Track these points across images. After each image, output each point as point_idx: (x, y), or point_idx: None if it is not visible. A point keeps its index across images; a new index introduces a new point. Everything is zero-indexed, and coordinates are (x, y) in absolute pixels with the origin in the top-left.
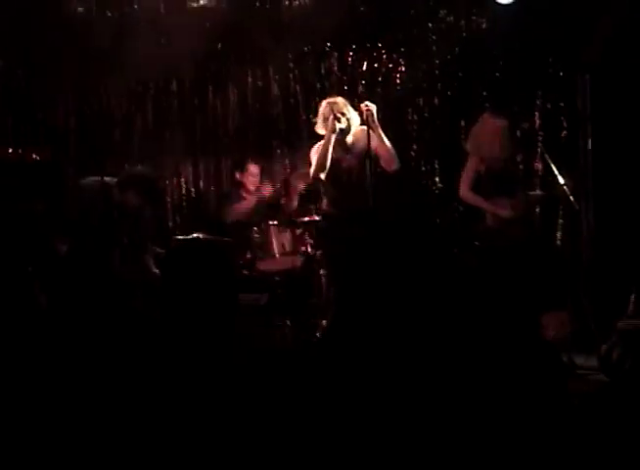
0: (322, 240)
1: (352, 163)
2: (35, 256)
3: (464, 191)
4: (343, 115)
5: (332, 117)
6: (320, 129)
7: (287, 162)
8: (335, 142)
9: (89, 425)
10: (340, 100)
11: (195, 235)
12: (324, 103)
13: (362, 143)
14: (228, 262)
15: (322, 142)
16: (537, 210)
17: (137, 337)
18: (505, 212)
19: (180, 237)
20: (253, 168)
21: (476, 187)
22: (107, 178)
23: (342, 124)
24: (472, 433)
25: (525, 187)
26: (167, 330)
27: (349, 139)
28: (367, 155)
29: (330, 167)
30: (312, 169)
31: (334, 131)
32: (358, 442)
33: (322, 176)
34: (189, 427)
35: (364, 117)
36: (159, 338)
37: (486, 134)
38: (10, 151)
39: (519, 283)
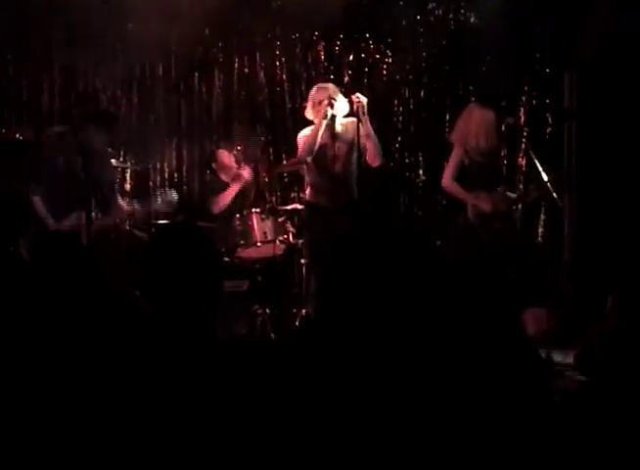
0: (304, 228)
1: (339, 152)
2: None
3: (447, 181)
4: (335, 100)
5: (326, 101)
6: (309, 114)
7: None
8: (324, 128)
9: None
10: (331, 86)
11: (177, 220)
12: (315, 88)
13: (351, 134)
14: (212, 248)
15: (311, 127)
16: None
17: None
18: (486, 206)
19: (162, 222)
20: (223, 156)
21: (459, 179)
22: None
23: (335, 110)
24: (453, 429)
25: (507, 183)
26: (150, 316)
27: (338, 127)
28: (355, 146)
29: (316, 153)
30: (299, 152)
31: (325, 117)
32: (340, 437)
33: (309, 160)
34: (170, 418)
35: (354, 108)
36: (140, 322)
37: (472, 125)
38: None
39: (499, 278)
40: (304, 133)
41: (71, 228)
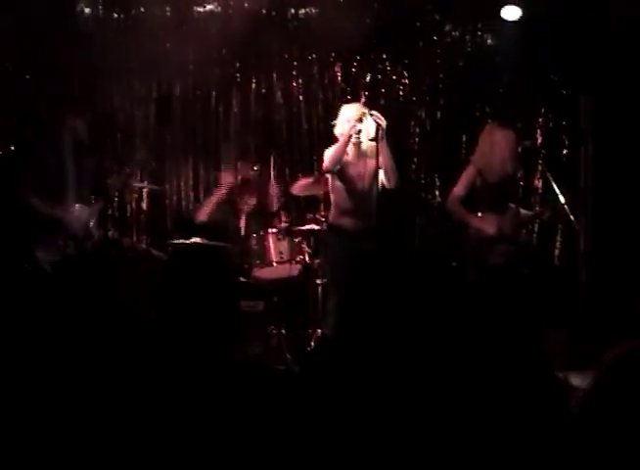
0: (324, 250)
1: (365, 170)
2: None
3: (452, 202)
4: (365, 117)
5: (357, 116)
6: (338, 130)
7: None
8: (351, 147)
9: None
10: (360, 105)
11: (193, 240)
12: (345, 106)
13: (373, 155)
14: (229, 268)
15: (338, 143)
16: (534, 227)
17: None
18: (490, 229)
19: (178, 241)
20: (225, 177)
21: (468, 199)
22: None
23: (363, 126)
24: (472, 447)
25: (523, 205)
26: (166, 335)
27: (364, 146)
28: (377, 167)
29: (343, 170)
30: (325, 164)
31: (357, 132)
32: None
33: (334, 170)
34: (186, 436)
35: (375, 128)
36: (156, 343)
37: (489, 144)
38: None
39: (506, 300)
40: (332, 148)
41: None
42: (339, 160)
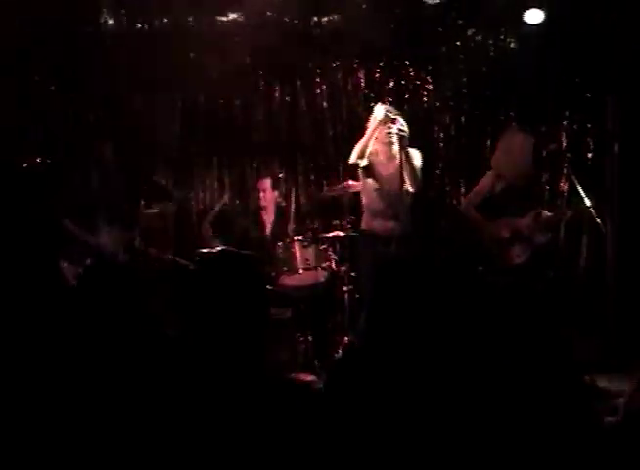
0: (358, 256)
1: (394, 172)
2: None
3: (467, 206)
4: (397, 120)
5: (391, 117)
6: (370, 127)
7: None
8: (382, 147)
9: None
10: (390, 107)
11: (220, 248)
12: (378, 105)
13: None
14: (260, 276)
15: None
16: (558, 229)
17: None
18: (503, 233)
19: (205, 250)
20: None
21: (485, 204)
22: None
23: (395, 129)
24: (503, 451)
25: (547, 208)
26: (195, 345)
27: (396, 148)
28: (402, 172)
29: (373, 169)
30: (352, 156)
31: (388, 132)
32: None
33: (360, 164)
34: (220, 444)
35: (398, 135)
36: (185, 353)
37: (506, 148)
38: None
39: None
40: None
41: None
42: (362, 152)
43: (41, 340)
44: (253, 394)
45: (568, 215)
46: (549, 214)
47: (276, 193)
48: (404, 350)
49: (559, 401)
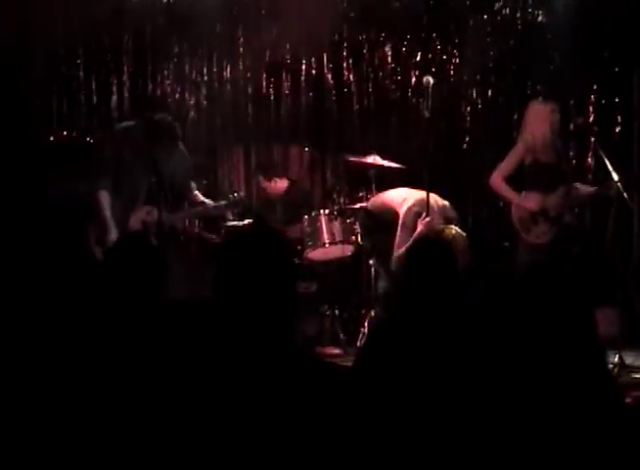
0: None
1: None
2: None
3: (495, 178)
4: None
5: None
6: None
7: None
8: None
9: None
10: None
11: (246, 221)
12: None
13: None
14: (290, 249)
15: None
16: (591, 205)
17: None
18: (533, 206)
19: (232, 223)
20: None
21: (514, 177)
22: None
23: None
24: (525, 428)
25: (576, 183)
26: (224, 318)
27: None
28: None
29: None
30: None
31: None
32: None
33: None
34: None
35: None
36: (215, 326)
37: (531, 119)
38: (65, 133)
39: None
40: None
41: (137, 224)
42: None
43: (68, 312)
44: (281, 367)
45: (613, 190)
46: (585, 188)
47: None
48: (434, 325)
49: (585, 381)
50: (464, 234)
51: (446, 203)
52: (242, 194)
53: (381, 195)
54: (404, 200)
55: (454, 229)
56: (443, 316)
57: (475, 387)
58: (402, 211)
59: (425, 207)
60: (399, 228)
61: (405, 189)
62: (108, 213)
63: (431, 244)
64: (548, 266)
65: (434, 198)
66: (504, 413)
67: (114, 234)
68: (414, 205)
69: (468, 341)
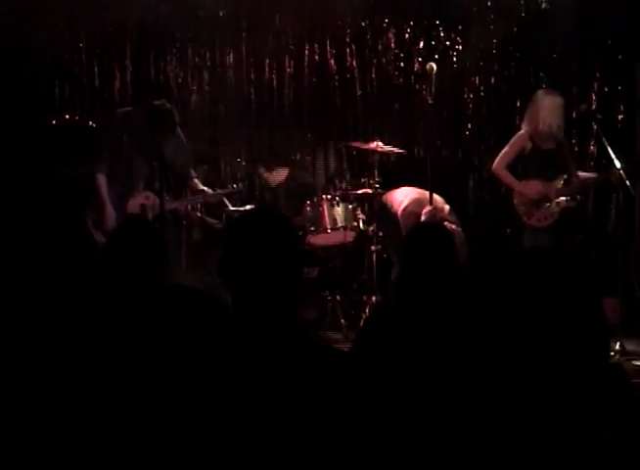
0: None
1: None
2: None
3: (498, 165)
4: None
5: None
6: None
7: None
8: None
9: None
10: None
11: (249, 207)
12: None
13: None
14: (294, 233)
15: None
16: (594, 191)
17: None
18: (533, 193)
19: (234, 208)
20: None
21: (515, 164)
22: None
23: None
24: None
25: (577, 170)
26: (227, 303)
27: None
28: None
29: None
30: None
31: None
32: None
33: None
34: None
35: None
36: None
37: (536, 108)
38: (67, 117)
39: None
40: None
41: (135, 209)
42: None
43: (68, 295)
44: (283, 350)
45: (616, 177)
46: (586, 175)
47: None
48: (433, 308)
49: (590, 368)
50: (462, 232)
51: (447, 206)
52: (241, 186)
53: (391, 192)
54: (401, 202)
55: (452, 226)
56: (443, 300)
57: (475, 371)
58: (399, 214)
59: (423, 204)
60: (402, 229)
61: (407, 189)
62: (106, 197)
63: (429, 228)
64: (551, 250)
65: (438, 199)
66: (507, 399)
67: (111, 218)
68: (409, 204)
69: (469, 325)
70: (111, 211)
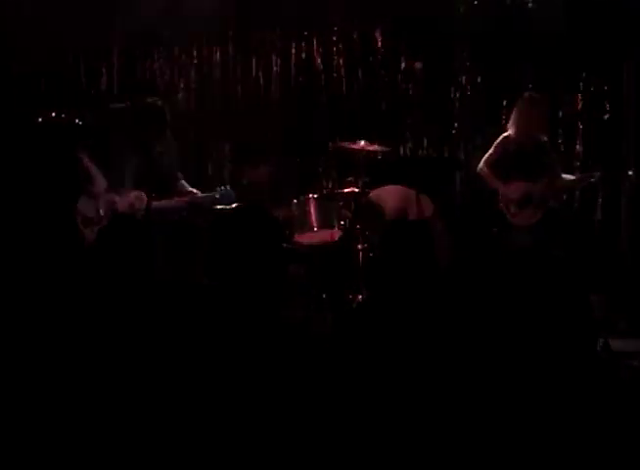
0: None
1: None
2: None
3: (482, 165)
4: None
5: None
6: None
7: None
8: None
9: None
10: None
11: (235, 205)
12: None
13: None
14: (280, 229)
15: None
16: (579, 191)
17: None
18: (515, 194)
19: (220, 207)
20: None
21: (497, 165)
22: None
23: None
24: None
25: (561, 171)
26: (215, 300)
27: None
28: None
29: None
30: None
31: None
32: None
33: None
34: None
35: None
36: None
37: (521, 111)
38: (53, 114)
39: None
40: None
41: (125, 208)
42: None
43: (62, 291)
44: (269, 342)
45: (597, 176)
46: (570, 177)
47: None
48: (416, 304)
49: (577, 360)
50: (447, 231)
51: (433, 205)
52: (229, 187)
53: (377, 191)
54: (387, 201)
55: (437, 225)
56: (418, 295)
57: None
58: (385, 213)
59: (408, 203)
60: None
61: (393, 187)
62: (93, 168)
63: (410, 225)
64: (536, 249)
65: (424, 198)
66: (494, 393)
67: (102, 185)
68: (395, 203)
69: (448, 320)
70: (101, 180)
